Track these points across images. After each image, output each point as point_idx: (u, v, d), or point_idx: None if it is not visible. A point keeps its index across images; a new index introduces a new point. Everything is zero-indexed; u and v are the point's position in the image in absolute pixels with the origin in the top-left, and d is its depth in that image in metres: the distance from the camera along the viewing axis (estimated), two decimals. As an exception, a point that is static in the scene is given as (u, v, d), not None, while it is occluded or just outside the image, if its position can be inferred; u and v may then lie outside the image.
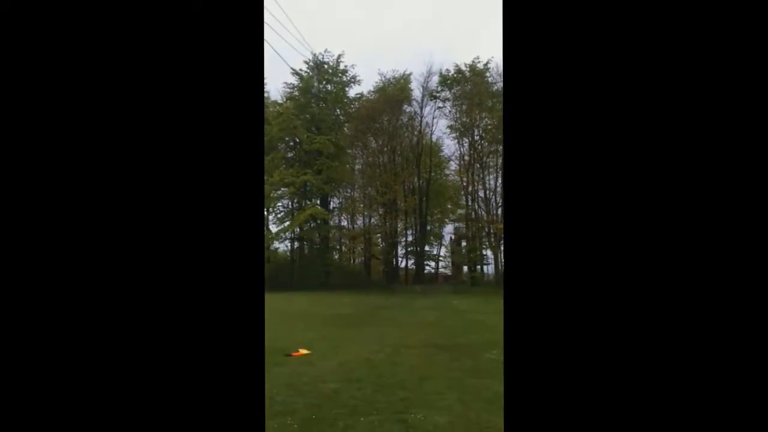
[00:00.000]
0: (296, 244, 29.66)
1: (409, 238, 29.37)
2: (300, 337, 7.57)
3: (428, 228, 29.23)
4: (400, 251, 30.06)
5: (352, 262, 33.51)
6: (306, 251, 29.43)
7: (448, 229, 32.66)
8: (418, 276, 27.95)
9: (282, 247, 29.81)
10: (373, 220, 30.78)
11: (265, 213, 28.54)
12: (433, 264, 32.58)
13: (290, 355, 5.86)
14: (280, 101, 28.79)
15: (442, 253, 33.56)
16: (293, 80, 28.44)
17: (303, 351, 6.14)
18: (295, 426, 3.26)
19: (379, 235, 29.94)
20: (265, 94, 29.31)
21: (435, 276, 32.38)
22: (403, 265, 30.26)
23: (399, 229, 29.40)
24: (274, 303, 14.62)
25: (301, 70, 27.52)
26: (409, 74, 28.72)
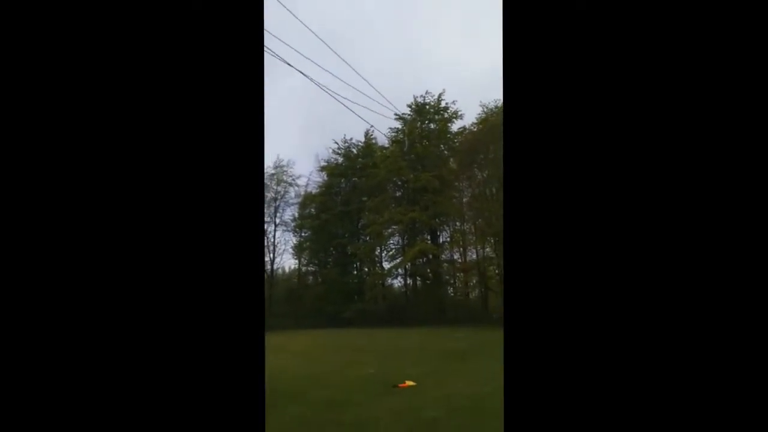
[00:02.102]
0: (409, 281, 30.22)
1: (526, 269, 27.76)
2: (409, 370, 7.79)
3: (546, 256, 27.37)
4: (517, 282, 28.48)
5: (467, 295, 32.78)
6: (419, 286, 29.76)
7: (569, 256, 30.04)
8: (539, 308, 26.04)
9: (396, 282, 30.66)
10: (486, 251, 29.96)
11: (378, 251, 29.84)
12: (555, 294, 30.03)
13: (397, 386, 6.10)
14: (386, 145, 30.51)
15: (564, 282, 30.76)
16: (397, 125, 29.97)
17: (409, 383, 6.34)
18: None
19: (493, 266, 28.94)
20: (373, 140, 31.41)
21: (558, 307, 29.76)
22: (521, 296, 28.58)
23: (514, 260, 28.01)
24: (388, 338, 15.05)
25: (404, 114, 28.93)
26: (512, 101, 28.12)
